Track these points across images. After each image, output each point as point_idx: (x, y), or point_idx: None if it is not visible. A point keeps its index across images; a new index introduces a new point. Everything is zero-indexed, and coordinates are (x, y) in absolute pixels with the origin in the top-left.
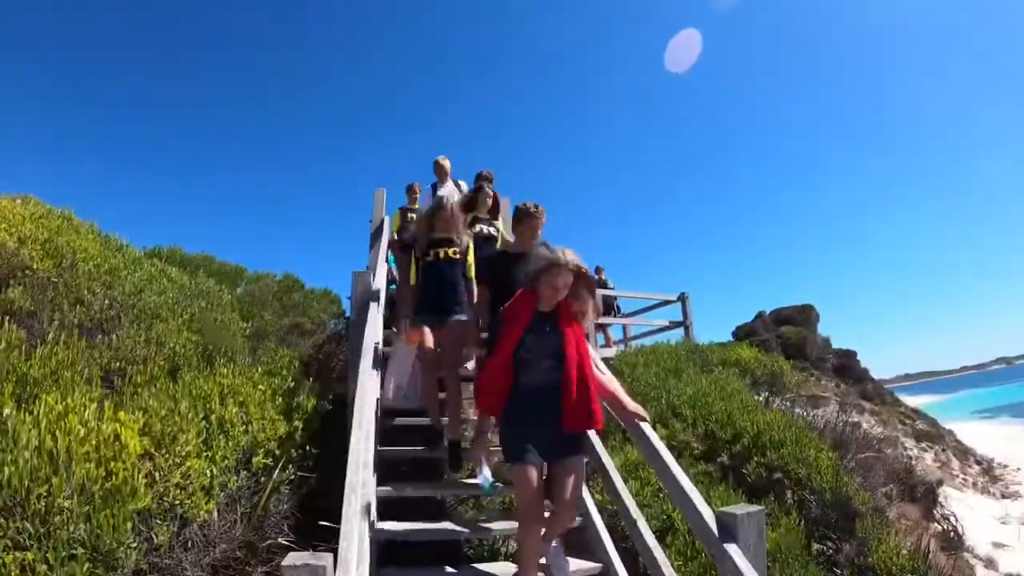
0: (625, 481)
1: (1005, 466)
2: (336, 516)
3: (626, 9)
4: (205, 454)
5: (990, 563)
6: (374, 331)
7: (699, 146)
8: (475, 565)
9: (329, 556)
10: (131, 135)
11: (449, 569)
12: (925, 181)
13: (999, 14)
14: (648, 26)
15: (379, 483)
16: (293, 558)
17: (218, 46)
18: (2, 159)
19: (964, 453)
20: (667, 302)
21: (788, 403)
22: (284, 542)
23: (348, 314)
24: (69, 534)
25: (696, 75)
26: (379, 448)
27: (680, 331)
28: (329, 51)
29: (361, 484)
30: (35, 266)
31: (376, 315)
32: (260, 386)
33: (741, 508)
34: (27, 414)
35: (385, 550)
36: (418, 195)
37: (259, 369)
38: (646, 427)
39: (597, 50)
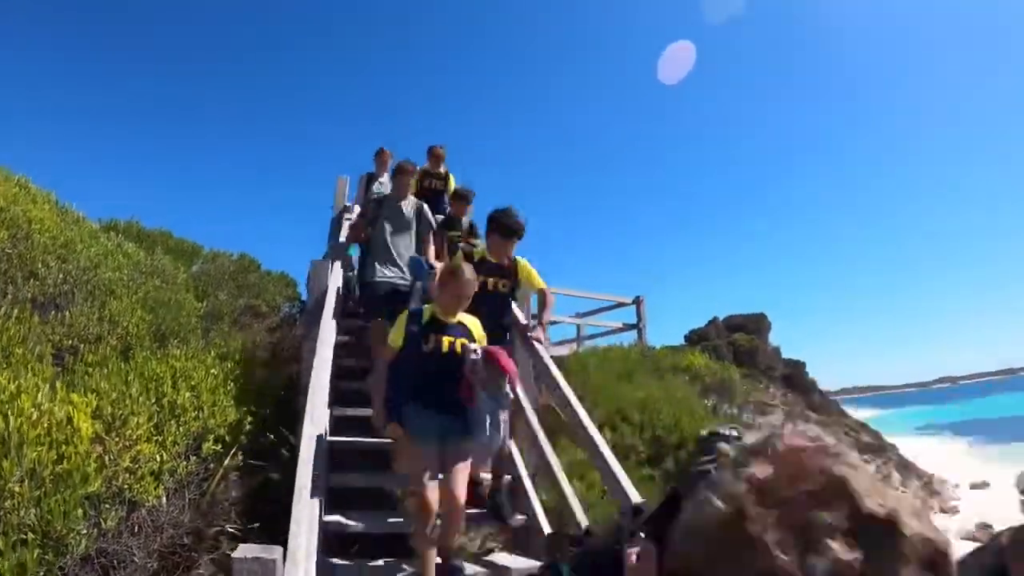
0: (571, 481)
1: (944, 482)
2: (286, 504)
3: (618, 20)
4: (156, 438)
5: None
6: (329, 325)
7: (669, 149)
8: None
9: (279, 549)
10: (93, 103)
11: (395, 560)
12: (879, 199)
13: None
14: (640, 37)
15: (330, 471)
16: (243, 550)
17: (187, 19)
18: None
19: (906, 467)
20: (621, 304)
21: (736, 409)
22: (232, 529)
23: (304, 299)
24: (19, 519)
25: (685, 86)
26: (331, 439)
27: (633, 333)
28: (303, 32)
29: (311, 478)
30: None
31: (330, 315)
32: (213, 370)
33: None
34: None
35: (334, 540)
36: (388, 163)
37: (212, 352)
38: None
39: (588, 56)
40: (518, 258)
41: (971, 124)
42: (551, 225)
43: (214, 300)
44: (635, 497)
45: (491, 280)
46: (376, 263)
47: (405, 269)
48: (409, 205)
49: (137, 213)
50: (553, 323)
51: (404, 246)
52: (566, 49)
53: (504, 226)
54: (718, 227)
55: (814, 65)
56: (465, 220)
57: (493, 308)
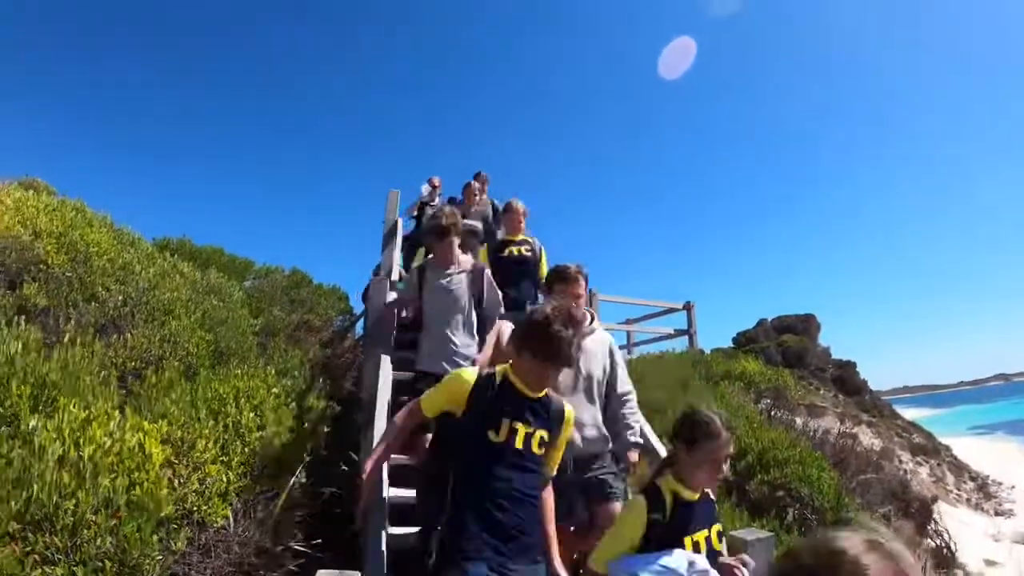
0: None
1: (999, 483)
2: (348, 519)
3: (621, 13)
4: (222, 459)
5: None
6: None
7: (710, 151)
8: None
9: (356, 574)
10: (135, 123)
11: None
12: (930, 197)
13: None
14: (643, 30)
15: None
16: (323, 574)
17: (222, 31)
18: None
19: (959, 469)
20: (672, 310)
21: (788, 412)
22: (298, 547)
23: (355, 311)
24: (96, 548)
25: (688, 80)
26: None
27: (684, 339)
28: (345, 47)
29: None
30: (50, 261)
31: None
32: (274, 389)
33: (751, 533)
34: (48, 420)
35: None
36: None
37: (272, 370)
38: None
39: (589, 56)
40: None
41: (985, 103)
42: (596, 231)
43: (268, 316)
44: None
45: None
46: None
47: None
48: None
49: (188, 231)
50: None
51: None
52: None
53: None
54: (764, 227)
55: (834, 61)
56: None
57: None
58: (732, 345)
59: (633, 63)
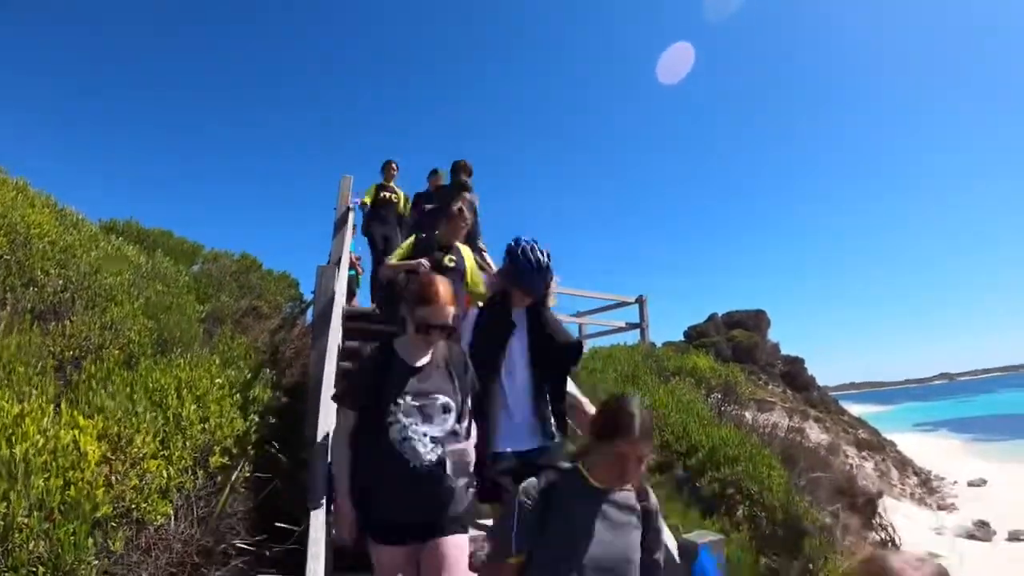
0: None
1: (942, 479)
2: (293, 515)
3: (621, 16)
4: (162, 454)
5: None
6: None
7: (666, 146)
8: None
9: None
10: (94, 103)
11: None
12: (879, 201)
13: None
14: (642, 32)
15: None
16: None
17: (189, 20)
18: None
19: (904, 464)
20: (623, 303)
21: (738, 408)
22: (241, 544)
23: (305, 298)
24: (29, 553)
25: (683, 85)
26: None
27: (636, 332)
28: (308, 33)
29: (326, 501)
30: None
31: (338, 319)
32: (218, 379)
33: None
34: None
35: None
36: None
37: (216, 359)
38: None
39: (586, 56)
40: None
41: (972, 116)
42: (553, 223)
43: (216, 302)
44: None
45: None
46: None
47: None
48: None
49: (137, 213)
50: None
51: None
52: (566, 46)
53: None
54: (717, 223)
55: (806, 62)
56: None
57: None
58: (683, 339)
59: (590, 62)
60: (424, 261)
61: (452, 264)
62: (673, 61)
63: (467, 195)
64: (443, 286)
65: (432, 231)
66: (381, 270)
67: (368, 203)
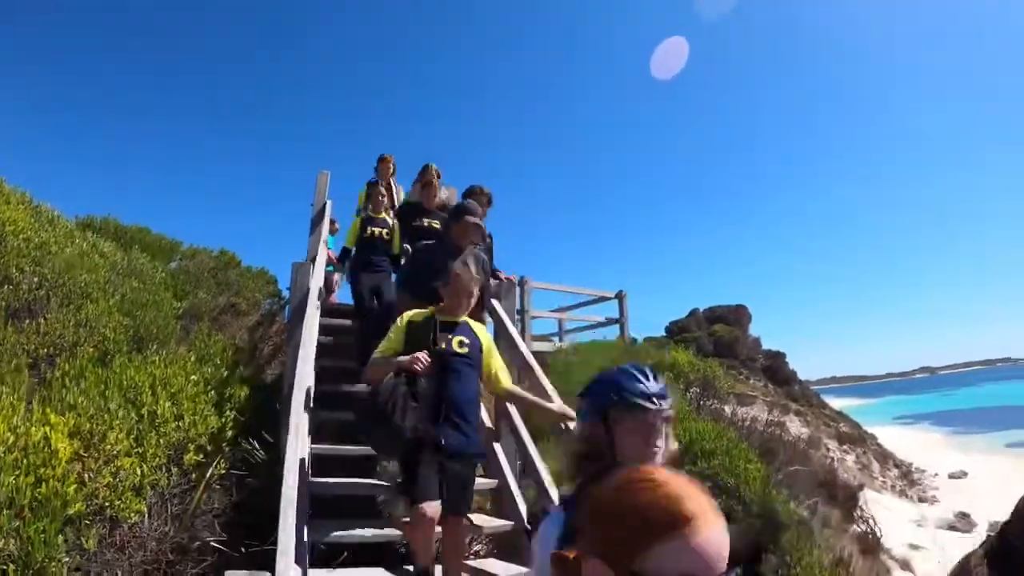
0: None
1: (923, 471)
2: (269, 512)
3: (610, 14)
4: (136, 451)
5: (906, 565)
6: (311, 334)
7: (651, 142)
8: (407, 567)
9: (266, 575)
10: (73, 98)
11: (380, 571)
12: (860, 195)
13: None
14: (633, 31)
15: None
16: None
17: (165, 6)
18: None
19: (884, 457)
20: (603, 299)
21: (717, 402)
22: (215, 542)
23: (284, 295)
24: None
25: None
26: (314, 447)
27: (615, 327)
28: (283, 27)
29: (296, 496)
30: None
31: (313, 316)
32: (193, 376)
33: None
34: None
35: (323, 549)
36: (391, 168)
37: (192, 357)
38: None
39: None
40: None
41: (957, 109)
42: (532, 219)
43: (193, 299)
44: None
45: None
46: None
47: None
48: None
49: (116, 210)
50: (534, 317)
51: None
52: (553, 40)
53: None
54: (698, 218)
55: (783, 60)
56: None
57: None
58: (665, 334)
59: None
60: (422, 356)
61: (464, 350)
62: (667, 56)
63: (473, 250)
64: None
65: (429, 275)
66: (365, 372)
67: (351, 249)
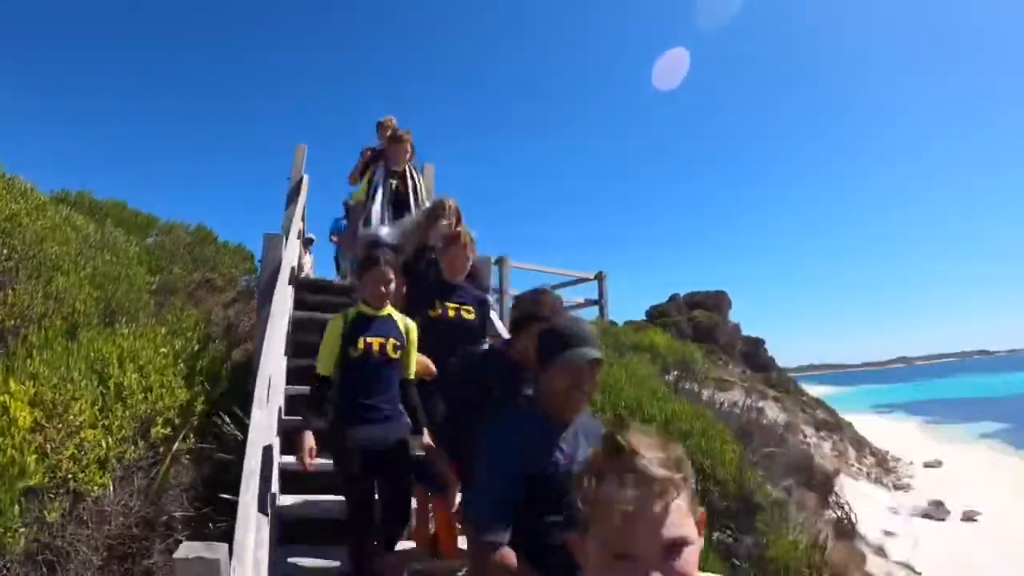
0: None
1: (898, 459)
2: (238, 487)
3: (608, 27)
4: (101, 423)
5: (880, 551)
6: (282, 305)
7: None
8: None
9: (223, 547)
10: (42, 69)
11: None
12: (839, 183)
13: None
14: (632, 42)
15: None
16: (185, 549)
17: None
18: None
19: (860, 444)
20: (583, 280)
21: (695, 385)
22: (183, 516)
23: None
24: None
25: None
26: (285, 418)
27: (595, 309)
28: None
29: (260, 466)
30: None
31: (284, 292)
32: (162, 349)
33: None
34: None
35: (291, 524)
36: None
37: (162, 330)
38: None
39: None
40: None
41: (944, 105)
42: (512, 197)
43: (167, 274)
44: None
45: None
46: None
47: None
48: None
49: (92, 183)
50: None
51: None
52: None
53: None
54: (680, 202)
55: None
56: None
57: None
58: (645, 318)
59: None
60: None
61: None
62: (669, 67)
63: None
64: None
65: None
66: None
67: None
